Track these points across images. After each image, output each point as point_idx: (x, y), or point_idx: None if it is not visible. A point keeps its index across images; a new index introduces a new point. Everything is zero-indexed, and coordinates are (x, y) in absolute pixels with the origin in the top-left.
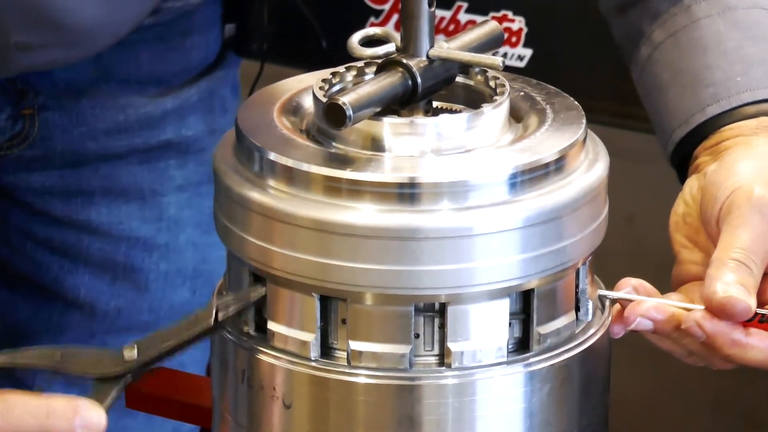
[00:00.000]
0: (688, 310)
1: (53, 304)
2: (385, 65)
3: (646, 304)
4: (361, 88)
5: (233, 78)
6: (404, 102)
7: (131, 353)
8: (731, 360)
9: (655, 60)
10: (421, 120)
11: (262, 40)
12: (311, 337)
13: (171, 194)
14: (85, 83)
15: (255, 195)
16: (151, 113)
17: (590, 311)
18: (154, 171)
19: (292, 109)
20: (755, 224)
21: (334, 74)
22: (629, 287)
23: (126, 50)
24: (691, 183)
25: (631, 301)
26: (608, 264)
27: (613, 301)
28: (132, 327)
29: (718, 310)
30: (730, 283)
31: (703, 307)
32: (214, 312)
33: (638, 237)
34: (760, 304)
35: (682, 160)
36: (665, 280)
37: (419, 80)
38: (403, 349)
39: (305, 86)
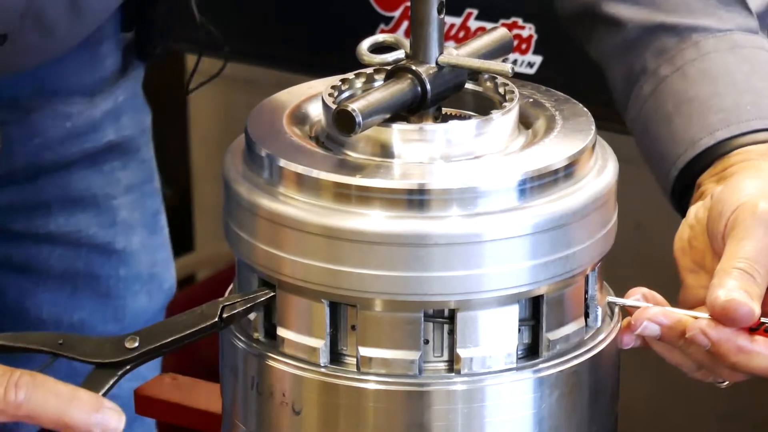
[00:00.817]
0: (695, 318)
1: (16, 327)
2: (395, 72)
3: (654, 309)
4: (370, 95)
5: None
6: (414, 108)
7: (132, 343)
8: (737, 368)
9: (660, 92)
10: (430, 126)
11: (163, 44)
12: (321, 344)
13: (120, 197)
14: (25, 97)
15: (265, 202)
16: (92, 116)
17: (599, 318)
18: (102, 174)
19: (301, 116)
20: (760, 236)
21: (343, 81)
22: (639, 295)
23: (54, 62)
24: (696, 208)
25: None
26: (617, 271)
27: (622, 309)
28: None
29: (720, 315)
30: (733, 289)
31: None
32: (219, 309)
33: (647, 244)
34: (765, 315)
35: (683, 189)
36: (674, 287)
37: (428, 87)
38: (412, 355)
39: (314, 93)
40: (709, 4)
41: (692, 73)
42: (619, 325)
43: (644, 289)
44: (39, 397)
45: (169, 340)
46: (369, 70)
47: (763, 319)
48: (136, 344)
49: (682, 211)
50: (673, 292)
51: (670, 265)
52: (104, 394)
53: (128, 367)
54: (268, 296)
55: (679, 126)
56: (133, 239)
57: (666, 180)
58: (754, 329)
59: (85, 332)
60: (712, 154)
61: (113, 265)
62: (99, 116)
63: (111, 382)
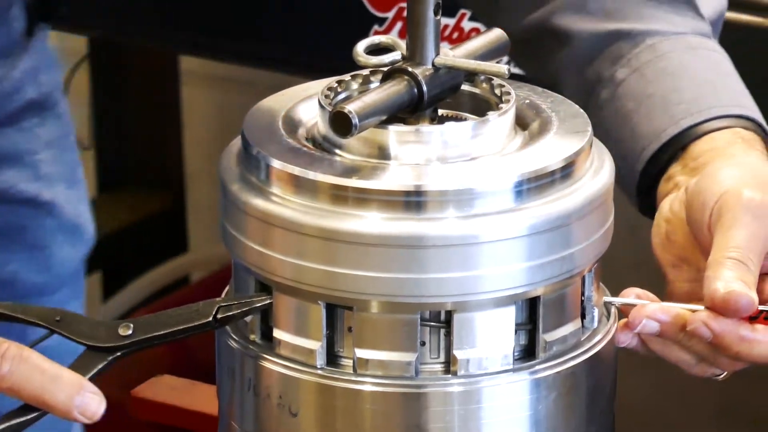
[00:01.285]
0: (693, 311)
1: None
2: (391, 73)
3: (652, 306)
4: (367, 97)
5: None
6: (410, 110)
7: (126, 330)
8: (739, 357)
9: (619, 96)
10: (426, 128)
11: (66, 3)
12: (317, 345)
13: (42, 152)
14: None
15: (261, 203)
16: (13, 78)
17: (596, 318)
18: (23, 132)
19: (297, 117)
20: (748, 224)
21: (339, 82)
22: (633, 296)
23: None
24: (670, 201)
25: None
26: (612, 273)
27: (618, 311)
28: (29, 293)
29: (721, 307)
30: (731, 279)
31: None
32: (215, 309)
33: (641, 246)
34: (761, 303)
35: (648, 187)
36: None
37: (425, 88)
38: (409, 356)
39: (310, 94)
40: (661, 9)
41: (650, 73)
42: (615, 325)
43: (638, 290)
44: (23, 371)
45: (162, 332)
46: (365, 72)
47: (761, 307)
48: (130, 332)
49: (648, 210)
50: (665, 291)
51: None
52: (90, 378)
53: (119, 354)
54: (265, 302)
55: (641, 122)
56: (56, 191)
57: (630, 177)
58: (753, 318)
59: (17, 284)
60: (678, 144)
61: (41, 217)
62: (19, 77)
63: (100, 367)
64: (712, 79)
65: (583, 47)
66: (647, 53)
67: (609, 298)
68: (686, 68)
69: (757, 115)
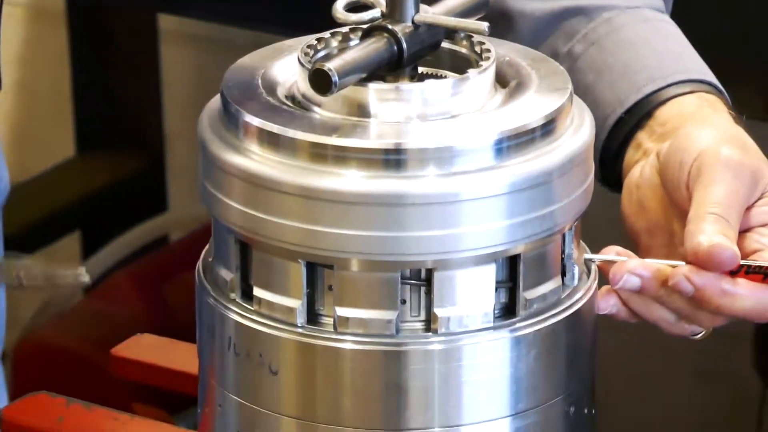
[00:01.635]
0: (673, 267)
1: None
2: (371, 31)
3: (632, 262)
4: (346, 54)
5: None
6: (390, 68)
7: None
8: (720, 311)
9: (577, 69)
10: (406, 86)
11: None
12: (297, 304)
13: None
14: None
15: (240, 162)
16: None
17: (576, 276)
18: None
19: (277, 76)
20: (728, 181)
21: (318, 40)
22: (613, 253)
23: None
24: (641, 167)
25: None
26: (590, 230)
27: (599, 271)
28: None
29: (705, 260)
30: (713, 233)
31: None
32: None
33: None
34: (741, 258)
35: (614, 154)
36: None
37: (405, 46)
38: (389, 315)
39: (290, 52)
40: None
41: (608, 45)
42: (596, 283)
43: (618, 248)
44: None
45: None
46: (344, 30)
47: (742, 262)
48: None
49: (611, 181)
50: None
51: None
52: None
53: None
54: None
55: (603, 92)
56: None
57: (595, 145)
58: (733, 273)
59: None
60: (642, 110)
61: None
62: None
63: None
64: (671, 49)
65: (536, 25)
66: (604, 27)
67: (589, 255)
68: (644, 39)
69: (717, 82)
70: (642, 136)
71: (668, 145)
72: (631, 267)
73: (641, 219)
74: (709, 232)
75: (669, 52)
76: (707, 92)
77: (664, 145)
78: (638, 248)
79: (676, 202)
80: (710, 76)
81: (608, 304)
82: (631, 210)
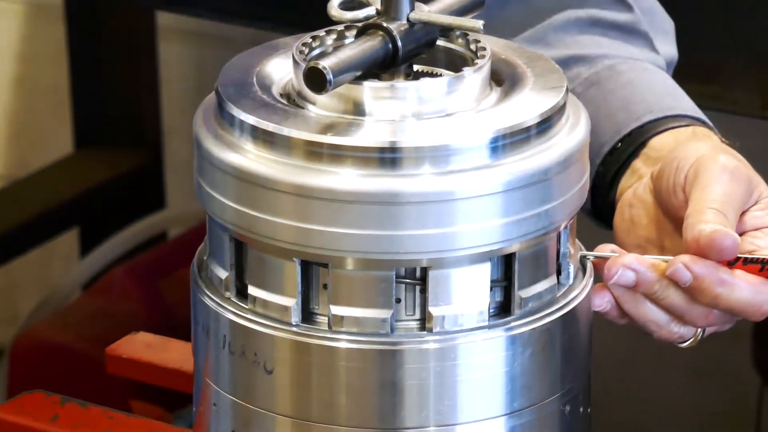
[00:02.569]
0: (666, 262)
1: None
2: (366, 29)
3: (628, 257)
4: (341, 52)
5: None
6: (385, 66)
7: None
8: (718, 302)
9: None
10: (401, 84)
11: None
12: (292, 302)
13: None
14: None
15: (235, 160)
16: None
17: (572, 275)
18: None
19: (272, 73)
20: (725, 183)
21: (314, 38)
22: (608, 251)
23: None
24: (634, 188)
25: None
26: (586, 228)
27: (594, 271)
28: None
29: (706, 246)
30: (714, 222)
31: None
32: None
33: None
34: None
35: (608, 184)
36: None
37: (400, 44)
38: (384, 313)
39: (285, 50)
40: (618, 41)
41: (608, 85)
42: (591, 281)
43: (612, 245)
44: None
45: None
46: (340, 27)
47: (739, 255)
48: None
49: (599, 212)
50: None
51: None
52: None
53: None
54: None
55: (600, 123)
56: None
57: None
58: (731, 264)
59: None
60: (639, 139)
61: None
62: None
63: None
64: (671, 91)
65: None
66: (605, 71)
67: (584, 252)
68: (644, 81)
69: (711, 125)
70: (637, 164)
71: (664, 160)
72: (626, 262)
73: (632, 236)
74: (711, 221)
75: (668, 93)
76: (703, 127)
77: (659, 165)
78: None
79: (671, 209)
80: (705, 118)
81: (602, 301)
82: (623, 227)
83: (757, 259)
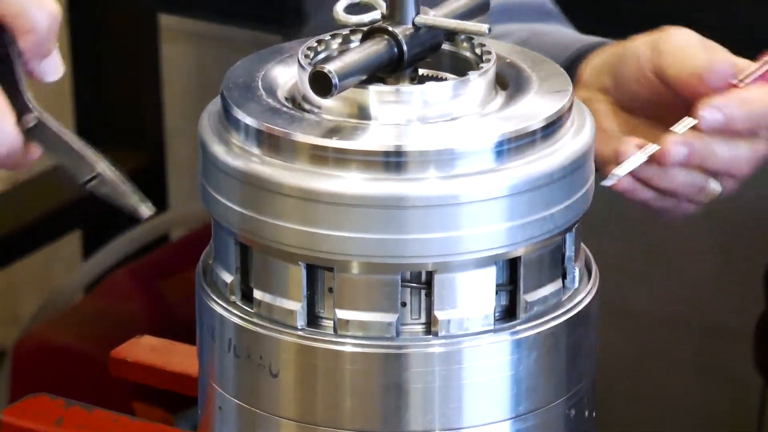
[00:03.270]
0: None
1: None
2: (371, 33)
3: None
4: (346, 56)
5: None
6: (390, 70)
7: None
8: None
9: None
10: (407, 88)
11: None
12: (298, 306)
13: None
14: None
15: (241, 164)
16: None
17: (577, 278)
18: None
19: (277, 77)
20: (689, 33)
21: (319, 42)
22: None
23: None
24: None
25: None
26: (586, 229)
27: (597, 271)
28: None
29: (715, 68)
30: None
31: None
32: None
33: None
34: None
35: None
36: (647, 243)
37: (405, 48)
38: (389, 317)
39: (290, 54)
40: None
41: (534, 41)
42: (597, 285)
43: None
44: None
45: None
46: (345, 31)
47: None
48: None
49: None
50: (644, 249)
51: (646, 225)
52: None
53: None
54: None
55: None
56: None
57: None
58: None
59: None
60: (576, 63)
61: None
62: None
63: None
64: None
65: None
66: (531, 37)
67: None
68: (567, 32)
69: None
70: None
71: (612, 59)
72: (715, 102)
73: (606, 145)
74: (702, 58)
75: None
76: None
77: (607, 68)
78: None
79: (637, 98)
80: None
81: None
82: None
83: (752, 71)
